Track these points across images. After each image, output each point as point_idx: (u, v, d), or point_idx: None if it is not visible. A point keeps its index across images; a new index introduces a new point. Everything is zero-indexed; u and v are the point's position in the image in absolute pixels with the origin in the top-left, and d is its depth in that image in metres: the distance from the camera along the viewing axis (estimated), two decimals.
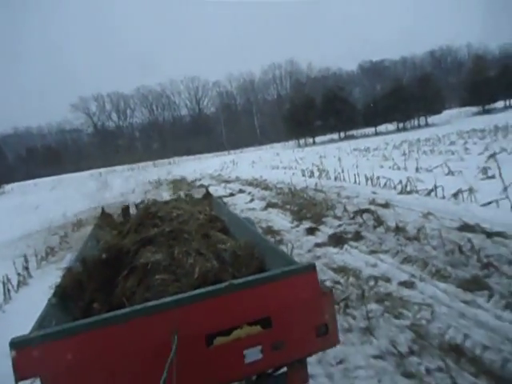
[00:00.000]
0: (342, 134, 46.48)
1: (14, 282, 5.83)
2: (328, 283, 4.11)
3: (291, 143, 48.43)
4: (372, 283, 4.16)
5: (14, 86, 79.51)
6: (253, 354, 1.77)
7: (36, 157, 66.57)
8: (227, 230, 3.20)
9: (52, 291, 2.22)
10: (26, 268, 6.42)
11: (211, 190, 13.34)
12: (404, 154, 14.55)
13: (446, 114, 48.76)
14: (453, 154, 12.50)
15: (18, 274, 6.09)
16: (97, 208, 11.98)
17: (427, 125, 45.22)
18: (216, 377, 1.75)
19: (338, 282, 4.22)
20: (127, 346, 1.62)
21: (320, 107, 44.59)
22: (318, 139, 47.15)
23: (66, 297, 2.21)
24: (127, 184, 22.17)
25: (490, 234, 4.86)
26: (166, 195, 15.24)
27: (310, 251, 5.48)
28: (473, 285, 3.75)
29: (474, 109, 47.79)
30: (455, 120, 43.37)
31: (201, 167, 31.03)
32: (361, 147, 24.39)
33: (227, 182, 16.91)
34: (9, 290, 5.49)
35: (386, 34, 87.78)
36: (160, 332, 1.63)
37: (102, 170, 48.11)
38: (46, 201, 20.48)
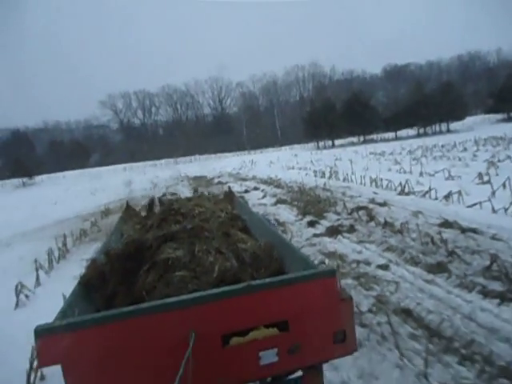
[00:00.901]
0: (362, 138, 46.68)
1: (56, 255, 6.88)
2: (315, 263, 4.90)
3: (311, 145, 48.95)
4: (354, 265, 4.93)
5: (45, 82, 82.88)
6: (268, 357, 1.78)
7: (63, 150, 69.08)
8: (248, 229, 3.25)
9: (76, 281, 2.33)
10: (65, 245, 7.47)
11: (227, 186, 14.28)
12: (415, 159, 15.08)
13: (470, 120, 48.29)
14: (460, 160, 13.00)
15: (59, 249, 7.14)
16: (122, 199, 13.13)
17: (449, 131, 44.89)
18: (231, 377, 1.77)
19: (323, 262, 5.01)
20: (145, 340, 1.66)
21: (340, 110, 45.00)
22: (338, 142, 47.52)
23: (90, 287, 2.30)
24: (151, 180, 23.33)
25: (464, 230, 5.54)
26: (185, 190, 16.28)
27: (307, 239, 6.27)
28: (436, 268, 4.47)
29: (499, 116, 47.07)
30: (478, 127, 42.88)
31: (220, 166, 32.08)
32: (377, 151, 24.84)
33: (244, 179, 17.81)
34: (52, 260, 6.53)
35: (413, 37, 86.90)
36: (178, 329, 1.66)
37: (127, 165, 49.94)
38: (75, 192, 21.90)
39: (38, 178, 39.65)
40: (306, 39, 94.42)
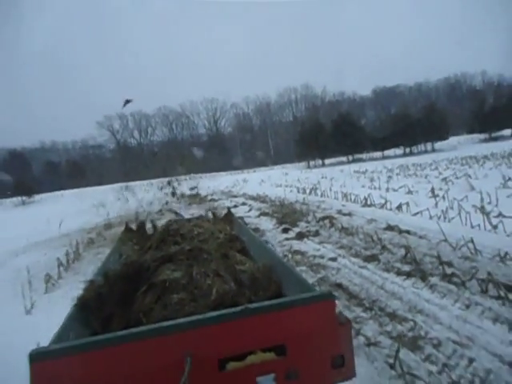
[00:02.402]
0: (351, 157, 48.57)
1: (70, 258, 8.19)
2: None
3: (302, 164, 50.73)
4: (311, 258, 6.31)
5: (43, 103, 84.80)
6: (266, 382, 1.75)
7: (60, 170, 70.22)
8: (246, 250, 3.28)
9: (73, 303, 2.33)
10: (77, 249, 8.79)
11: (219, 203, 15.69)
12: (389, 177, 16.65)
13: (455, 140, 50.55)
14: (426, 177, 14.57)
15: (74, 252, 8.46)
16: (122, 216, 14.47)
17: (434, 150, 46.95)
18: None
19: (286, 256, 6.39)
20: (141, 364, 1.65)
21: (329, 131, 47.03)
22: (328, 161, 49.38)
23: (87, 309, 2.29)
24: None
25: (401, 232, 6.98)
26: (181, 206, 17.63)
27: (279, 242, 7.65)
28: (370, 258, 5.87)
29: (482, 136, 49.26)
30: (461, 146, 45.09)
31: (214, 184, 33.54)
32: (361, 170, 26.45)
33: (234, 196, 19.25)
34: (68, 261, 7.85)
35: (401, 59, 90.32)
36: (174, 352, 1.65)
37: (122, 184, 51.16)
38: (76, 209, 23.15)
39: (37, 197, 40.81)
40: (298, 62, 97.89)
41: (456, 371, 2.96)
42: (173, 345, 1.68)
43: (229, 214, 5.35)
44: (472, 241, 5.45)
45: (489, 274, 4.24)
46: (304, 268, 5.80)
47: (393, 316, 3.98)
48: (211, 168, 60.35)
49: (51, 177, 68.16)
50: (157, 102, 79.68)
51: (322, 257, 6.35)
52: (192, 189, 27.38)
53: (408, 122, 45.25)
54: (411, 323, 3.77)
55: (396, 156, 45.82)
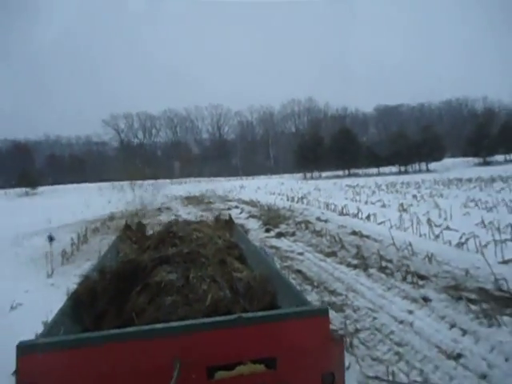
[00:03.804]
0: (347, 172, 50.01)
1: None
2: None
3: (299, 175, 52.14)
4: (284, 253, 7.59)
5: (50, 97, 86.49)
6: None
7: (62, 164, 71.21)
8: (244, 258, 3.27)
9: (66, 297, 2.37)
10: (85, 235, 10.07)
11: (215, 206, 16.93)
12: (373, 192, 18.00)
13: (449, 162, 52.06)
14: (404, 194, 15.91)
15: (83, 236, 9.74)
16: (123, 211, 15.75)
17: (428, 170, 48.41)
18: None
19: (262, 248, 7.66)
20: (130, 365, 1.64)
21: (328, 145, 48.55)
22: (325, 174, 50.82)
23: (79, 304, 2.29)
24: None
25: (362, 236, 8.28)
26: (179, 207, 18.90)
27: (261, 239, 8.92)
28: (330, 254, 7.15)
29: (477, 160, 50.73)
30: (455, 168, 46.54)
31: (212, 188, 34.84)
32: (353, 184, 27.78)
33: (229, 200, 20.52)
34: (78, 243, 9.13)
35: (405, 79, 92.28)
36: (163, 356, 1.63)
37: (124, 183, 52.46)
38: (79, 202, 24.43)
39: (39, 189, 42.07)
40: (303, 75, 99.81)
41: (361, 323, 4.25)
42: (163, 348, 1.67)
43: (229, 220, 5.37)
44: (410, 244, 6.75)
45: (408, 266, 5.55)
46: (276, 258, 7.08)
47: (331, 292, 5.27)
48: (210, 173, 61.75)
49: (53, 170, 69.11)
50: (163, 105, 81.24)
51: (292, 251, 7.64)
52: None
53: (404, 141, 46.75)
54: (343, 297, 5.05)
55: (391, 173, 47.18)
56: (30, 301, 5.21)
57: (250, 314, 1.86)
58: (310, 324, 1.83)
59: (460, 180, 24.94)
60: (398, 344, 3.73)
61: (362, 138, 61.29)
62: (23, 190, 40.40)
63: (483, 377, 3.13)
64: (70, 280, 5.32)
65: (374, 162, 48.27)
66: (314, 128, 67.46)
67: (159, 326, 1.74)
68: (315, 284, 5.62)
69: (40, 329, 3.27)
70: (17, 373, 1.56)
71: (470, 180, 22.94)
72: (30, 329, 3.33)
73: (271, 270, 2.85)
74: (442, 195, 14.58)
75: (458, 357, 3.43)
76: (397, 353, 3.57)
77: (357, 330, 4.07)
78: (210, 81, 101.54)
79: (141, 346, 1.66)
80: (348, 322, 4.27)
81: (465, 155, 53.17)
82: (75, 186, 51.13)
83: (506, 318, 4.00)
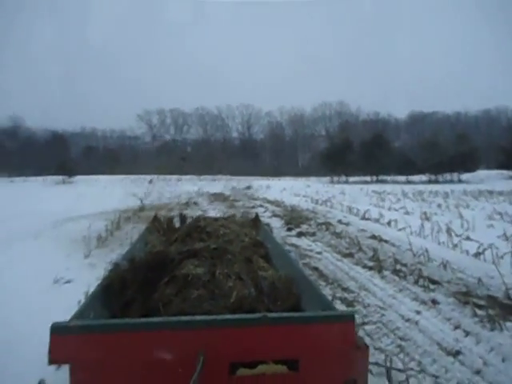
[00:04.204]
0: (375, 178, 49.41)
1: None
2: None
3: (326, 179, 51.98)
4: (303, 251, 7.92)
5: (89, 92, 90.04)
6: None
7: (96, 156, 73.70)
8: (269, 258, 3.28)
9: (97, 283, 2.45)
10: (118, 223, 10.77)
11: (239, 203, 17.40)
12: (398, 199, 17.96)
13: (484, 173, 50.38)
14: (430, 203, 15.82)
15: (116, 223, 10.43)
16: (153, 204, 16.46)
17: (460, 181, 47.08)
18: None
19: (285, 244, 8.03)
20: (154, 354, 1.68)
21: (357, 150, 48.16)
22: (353, 179, 50.43)
23: (109, 291, 2.38)
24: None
25: (381, 240, 8.48)
26: (204, 202, 19.51)
27: (282, 237, 9.27)
28: (347, 255, 7.42)
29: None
30: (489, 180, 45.04)
31: (238, 187, 35.44)
32: (380, 190, 27.61)
33: (255, 199, 20.96)
34: (112, 229, 9.79)
35: (442, 86, 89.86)
36: (188, 348, 1.67)
37: (153, 176, 54.01)
38: (113, 192, 25.58)
39: (75, 178, 44.10)
40: (335, 78, 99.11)
41: (369, 318, 4.54)
42: (188, 340, 1.70)
43: (256, 219, 5.41)
44: (427, 251, 6.93)
45: (421, 271, 5.77)
46: (295, 254, 7.43)
47: (344, 289, 5.57)
48: (238, 171, 62.43)
49: (88, 161, 71.68)
50: (195, 102, 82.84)
51: (311, 250, 7.96)
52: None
53: (436, 149, 45.74)
54: (355, 294, 5.35)
55: (420, 182, 46.26)
56: (71, 276, 5.81)
57: (274, 314, 1.88)
58: (335, 329, 1.81)
59: (491, 192, 24.32)
60: (401, 338, 4.01)
61: (393, 144, 60.30)
62: (60, 178, 42.47)
63: (477, 372, 3.38)
64: (104, 261, 5.92)
65: (404, 169, 47.50)
66: (344, 132, 66.98)
67: (186, 319, 1.78)
68: (330, 281, 5.92)
69: (81, 298, 3.82)
70: (49, 352, 1.62)
71: (501, 193, 22.34)
72: (74, 299, 3.86)
73: (296, 271, 2.85)
74: (468, 206, 14.43)
75: (456, 354, 3.68)
76: (399, 345, 3.86)
77: (364, 323, 4.37)
78: (242, 80, 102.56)
79: (167, 337, 1.71)
80: (356, 316, 4.56)
81: (500, 167, 51.38)
82: (108, 177, 53.10)
83: (508, 324, 4.20)
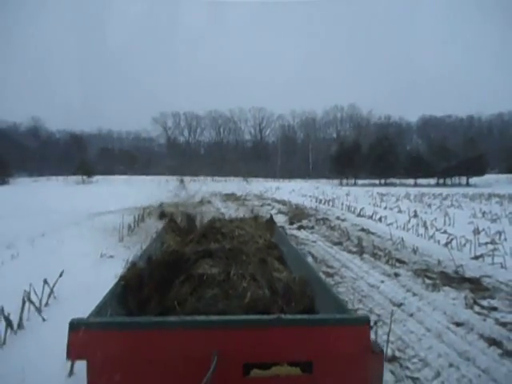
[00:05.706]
0: (383, 181, 50.38)
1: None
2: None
3: (335, 181, 53.17)
4: (300, 240, 9.35)
5: (107, 95, 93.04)
6: None
7: (112, 157, 75.83)
8: (283, 260, 3.30)
9: (115, 280, 2.49)
10: (142, 216, 12.36)
11: (249, 202, 18.87)
12: (396, 200, 19.25)
13: (493, 177, 50.80)
14: (426, 204, 17.06)
15: (141, 217, 12.03)
16: (169, 203, 18.03)
17: (468, 184, 47.75)
18: None
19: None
20: (170, 353, 1.71)
21: (366, 153, 49.25)
22: (361, 182, 51.54)
23: (127, 289, 2.42)
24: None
25: (369, 232, 9.86)
26: (217, 201, 21.05)
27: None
28: (337, 244, 8.83)
29: None
30: (497, 184, 45.58)
31: (250, 188, 36.96)
32: (384, 193, 28.79)
33: (263, 199, 22.47)
34: (137, 221, 11.38)
35: (454, 90, 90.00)
36: (202, 348, 1.68)
37: (168, 177, 55.86)
38: (132, 191, 27.32)
39: (94, 178, 46.40)
40: (347, 81, 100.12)
41: (342, 284, 5.96)
42: (202, 340, 1.71)
43: (270, 220, 5.46)
44: (403, 240, 8.31)
45: (394, 255, 7.16)
46: (294, 242, 8.87)
47: (329, 266, 6.99)
48: (249, 173, 63.96)
49: (104, 161, 73.93)
50: (209, 105, 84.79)
51: (307, 240, 9.39)
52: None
53: (445, 153, 46.51)
54: (336, 270, 6.77)
55: (428, 185, 47.07)
56: (112, 253, 7.36)
57: (289, 316, 1.87)
58: (350, 332, 1.80)
59: (491, 195, 25.32)
60: (363, 296, 5.43)
61: (404, 147, 61.04)
62: (79, 178, 44.78)
63: (411, 315, 4.77)
64: (134, 245, 7.44)
65: (413, 172, 48.38)
66: (354, 135, 67.91)
67: (201, 319, 1.80)
68: (318, 261, 7.35)
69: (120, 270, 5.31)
70: (67, 347, 1.66)
71: (499, 196, 23.36)
72: (118, 268, 5.34)
73: (311, 273, 2.84)
74: (460, 207, 15.64)
75: (400, 305, 5.08)
76: (359, 300, 5.28)
77: (336, 285, 5.81)
78: (254, 84, 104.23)
79: (182, 336, 1.73)
80: (333, 282, 6.00)
81: (510, 171, 51.75)
82: (126, 177, 55.22)
83: (446, 288, 5.58)
